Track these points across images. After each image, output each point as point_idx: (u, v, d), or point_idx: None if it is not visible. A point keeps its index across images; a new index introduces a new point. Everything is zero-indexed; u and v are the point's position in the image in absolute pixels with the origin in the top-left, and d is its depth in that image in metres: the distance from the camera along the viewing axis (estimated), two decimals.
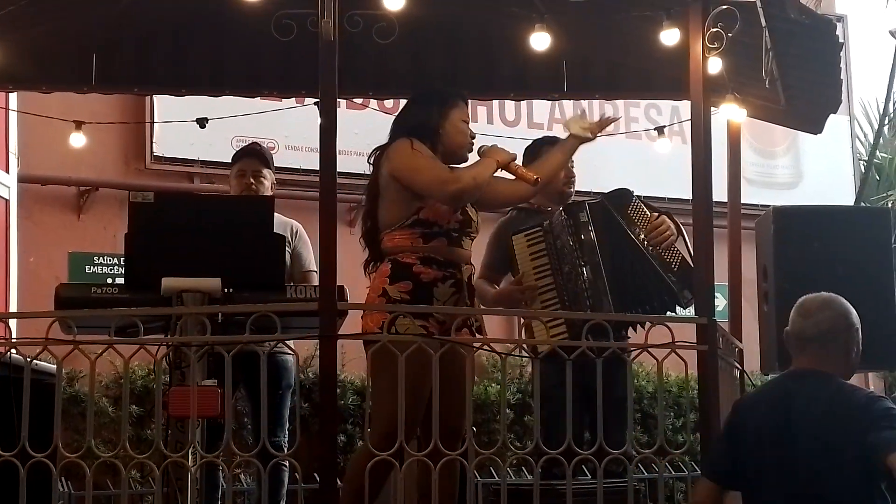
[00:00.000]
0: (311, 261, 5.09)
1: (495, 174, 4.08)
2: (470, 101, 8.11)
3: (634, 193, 4.79)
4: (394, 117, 4.26)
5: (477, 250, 4.94)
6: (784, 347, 5.14)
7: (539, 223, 4.71)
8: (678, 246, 4.65)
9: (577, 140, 4.24)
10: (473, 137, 4.21)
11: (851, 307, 3.47)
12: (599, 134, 4.30)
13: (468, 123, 4.23)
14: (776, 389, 3.54)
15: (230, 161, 5.32)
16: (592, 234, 4.62)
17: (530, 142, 5.20)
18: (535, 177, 4.08)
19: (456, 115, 4.18)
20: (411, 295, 3.91)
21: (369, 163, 4.18)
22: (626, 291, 4.58)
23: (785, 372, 3.56)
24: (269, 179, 5.14)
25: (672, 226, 4.67)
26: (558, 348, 3.86)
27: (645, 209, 4.72)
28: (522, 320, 4.26)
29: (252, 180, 5.07)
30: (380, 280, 3.99)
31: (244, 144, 5.36)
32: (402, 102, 7.77)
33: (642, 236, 4.63)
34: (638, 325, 4.48)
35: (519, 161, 4.23)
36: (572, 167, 4.95)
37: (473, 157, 4.16)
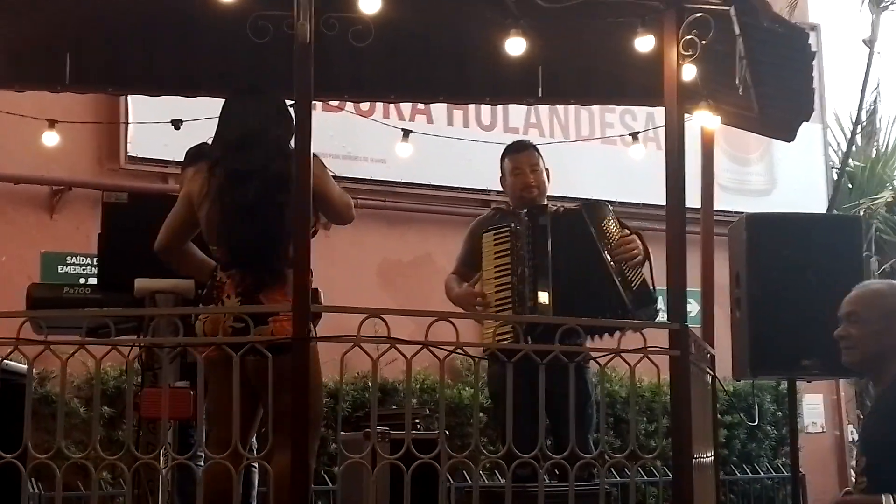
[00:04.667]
0: None
1: None
2: (446, 104, 8.22)
3: (611, 208, 4.84)
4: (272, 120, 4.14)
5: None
6: (756, 353, 5.21)
7: (510, 223, 4.76)
8: (644, 269, 4.70)
9: None
10: None
11: None
12: (577, 140, 4.36)
13: None
14: None
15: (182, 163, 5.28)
16: (549, 239, 4.67)
17: (505, 145, 5.24)
18: None
19: None
20: None
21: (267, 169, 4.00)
22: (577, 300, 4.61)
23: None
24: None
25: (640, 246, 4.73)
26: (531, 353, 3.87)
27: (618, 225, 4.77)
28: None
29: None
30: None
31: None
32: (379, 105, 8.03)
33: (608, 249, 4.67)
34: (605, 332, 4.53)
35: None
36: (534, 174, 4.97)
37: None
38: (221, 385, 3.72)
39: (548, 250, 4.68)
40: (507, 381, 3.79)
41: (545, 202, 5.00)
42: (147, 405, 3.76)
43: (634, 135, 6.30)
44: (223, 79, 5.35)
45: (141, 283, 4.00)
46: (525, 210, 4.83)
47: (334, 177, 4.17)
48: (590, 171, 8.86)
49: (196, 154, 5.10)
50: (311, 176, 3.71)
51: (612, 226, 4.76)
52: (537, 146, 5.19)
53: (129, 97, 7.44)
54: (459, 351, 3.89)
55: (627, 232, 4.77)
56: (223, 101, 4.23)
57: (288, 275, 3.87)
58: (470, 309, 4.83)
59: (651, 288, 4.70)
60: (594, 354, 4.19)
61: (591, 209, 4.81)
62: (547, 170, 5.06)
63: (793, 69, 4.63)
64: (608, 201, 5.09)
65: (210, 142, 4.26)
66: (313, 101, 3.82)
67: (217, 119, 4.18)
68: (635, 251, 4.70)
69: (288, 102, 4.05)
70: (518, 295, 4.66)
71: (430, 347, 3.74)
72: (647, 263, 4.75)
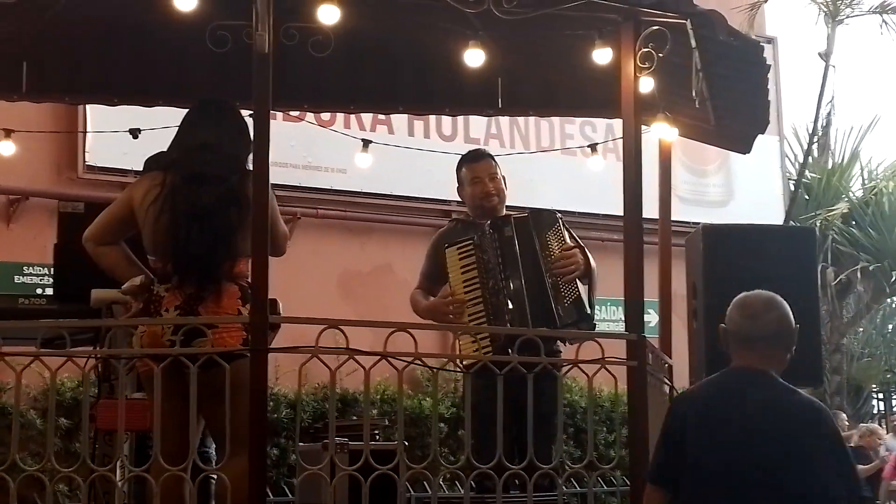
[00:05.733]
0: None
1: None
2: (406, 115, 8.19)
3: (561, 218, 4.84)
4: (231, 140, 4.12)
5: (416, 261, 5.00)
6: (714, 363, 5.24)
7: (472, 236, 4.75)
8: (580, 283, 4.67)
9: None
10: None
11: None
12: (537, 151, 4.34)
13: None
14: (724, 387, 3.41)
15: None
16: (517, 250, 4.67)
17: None
18: None
19: None
20: None
21: (220, 176, 3.98)
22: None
23: (730, 369, 3.41)
24: None
25: (580, 260, 4.69)
26: (490, 363, 3.88)
27: (565, 236, 4.75)
28: (453, 335, 4.28)
29: None
30: (231, 302, 3.89)
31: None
32: (339, 115, 8.03)
33: (547, 261, 4.66)
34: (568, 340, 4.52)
35: None
36: (493, 182, 4.98)
37: None
38: (160, 398, 3.69)
39: (518, 262, 4.66)
40: (465, 393, 3.80)
41: (504, 210, 5.01)
42: (103, 417, 3.73)
43: (594, 146, 6.33)
44: (182, 88, 5.33)
45: (97, 294, 3.97)
46: (489, 221, 4.82)
47: (294, 186, 4.16)
48: (550, 182, 8.90)
49: (155, 163, 5.07)
50: (269, 186, 3.71)
51: (556, 237, 4.75)
52: (493, 155, 5.20)
53: (88, 107, 7.40)
54: (418, 362, 3.89)
55: (570, 244, 4.76)
56: (186, 111, 4.21)
57: (226, 288, 3.87)
58: (443, 319, 4.78)
59: (585, 304, 4.66)
60: (552, 365, 4.21)
61: (538, 218, 4.80)
62: (504, 177, 5.08)
63: (748, 82, 4.68)
64: (568, 212, 5.09)
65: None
66: (273, 112, 3.81)
67: (177, 127, 4.16)
68: (573, 266, 4.68)
69: (247, 112, 4.04)
70: (493, 308, 4.62)
71: (389, 358, 3.74)
72: (588, 278, 4.72)
